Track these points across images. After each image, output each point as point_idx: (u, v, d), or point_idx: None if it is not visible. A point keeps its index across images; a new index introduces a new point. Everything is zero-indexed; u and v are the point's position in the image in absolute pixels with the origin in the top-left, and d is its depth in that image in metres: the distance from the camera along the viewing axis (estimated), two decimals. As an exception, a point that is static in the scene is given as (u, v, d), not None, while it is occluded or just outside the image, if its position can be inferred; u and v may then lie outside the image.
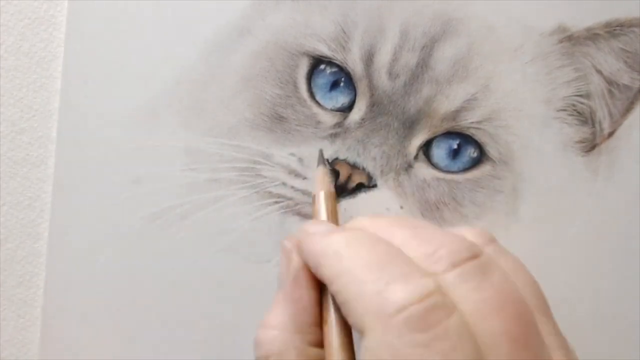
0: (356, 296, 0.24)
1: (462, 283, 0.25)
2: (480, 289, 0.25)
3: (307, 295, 0.28)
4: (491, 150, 0.39)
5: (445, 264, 0.25)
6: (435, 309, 0.23)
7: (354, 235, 0.27)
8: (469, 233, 0.29)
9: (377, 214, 0.30)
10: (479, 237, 0.28)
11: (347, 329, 0.27)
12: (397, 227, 0.28)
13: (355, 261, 0.25)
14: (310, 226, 0.29)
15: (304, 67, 0.39)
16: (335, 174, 0.38)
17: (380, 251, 0.26)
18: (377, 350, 0.23)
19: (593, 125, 0.39)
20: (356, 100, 0.39)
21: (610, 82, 0.39)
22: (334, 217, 0.32)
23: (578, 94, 0.39)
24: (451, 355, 0.23)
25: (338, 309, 0.26)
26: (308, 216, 0.39)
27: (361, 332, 0.24)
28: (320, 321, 0.28)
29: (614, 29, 0.39)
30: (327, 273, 0.26)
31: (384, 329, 0.23)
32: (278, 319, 0.28)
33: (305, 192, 0.39)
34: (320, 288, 0.28)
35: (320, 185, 0.33)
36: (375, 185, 0.39)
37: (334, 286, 0.26)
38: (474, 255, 0.26)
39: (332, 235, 0.27)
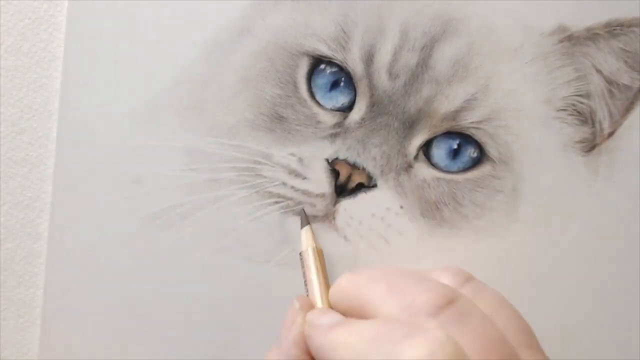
0: None
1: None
2: (462, 336, 0.25)
3: (303, 358, 0.29)
4: (491, 150, 0.39)
5: (423, 315, 0.26)
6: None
7: (354, 327, 0.28)
8: (444, 275, 0.30)
9: (355, 271, 0.31)
10: (454, 278, 0.30)
11: None
12: (373, 284, 0.29)
13: (360, 340, 0.26)
14: (315, 317, 0.30)
15: (304, 67, 0.39)
16: (335, 174, 0.38)
17: (376, 325, 0.27)
18: None
19: (593, 125, 0.39)
20: (356, 100, 0.39)
21: (610, 82, 0.39)
22: (324, 275, 0.34)
23: (578, 93, 0.39)
24: None
25: None
26: (308, 216, 0.39)
27: None
28: None
29: (614, 29, 0.39)
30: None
31: None
32: None
33: (305, 192, 0.39)
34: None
35: (306, 242, 0.36)
36: (375, 185, 0.39)
37: None
38: (450, 301, 0.27)
39: (336, 329, 0.28)
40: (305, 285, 0.35)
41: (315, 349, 0.29)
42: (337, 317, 0.30)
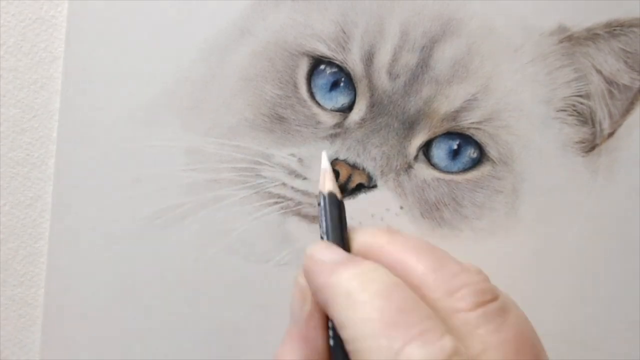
0: (371, 351, 0.24)
1: (485, 324, 0.25)
2: (501, 330, 0.25)
3: (320, 337, 0.27)
4: (491, 150, 0.39)
5: (469, 304, 0.25)
6: None
7: (368, 277, 0.26)
8: (474, 270, 0.28)
9: (393, 230, 0.28)
10: (487, 277, 0.28)
11: None
12: (417, 254, 0.27)
13: (370, 312, 0.24)
14: (316, 250, 0.27)
15: (304, 67, 0.39)
16: (335, 174, 0.38)
17: (398, 300, 0.25)
18: None
19: (593, 126, 0.39)
20: (356, 101, 0.39)
21: (610, 83, 0.39)
22: (344, 232, 0.29)
23: (578, 94, 0.39)
24: None
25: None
26: (308, 216, 0.39)
27: None
28: None
29: (614, 29, 0.39)
30: (337, 316, 0.25)
31: None
32: (292, 356, 0.27)
33: (305, 193, 0.39)
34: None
35: (330, 185, 0.30)
36: (375, 186, 0.39)
37: (345, 333, 0.25)
38: (495, 296, 0.26)
39: (342, 270, 0.26)
40: (322, 235, 0.30)
41: (313, 289, 0.27)
42: (342, 254, 0.27)
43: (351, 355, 0.25)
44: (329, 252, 0.27)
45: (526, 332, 0.26)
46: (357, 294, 0.25)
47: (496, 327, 0.25)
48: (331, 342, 0.27)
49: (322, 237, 0.29)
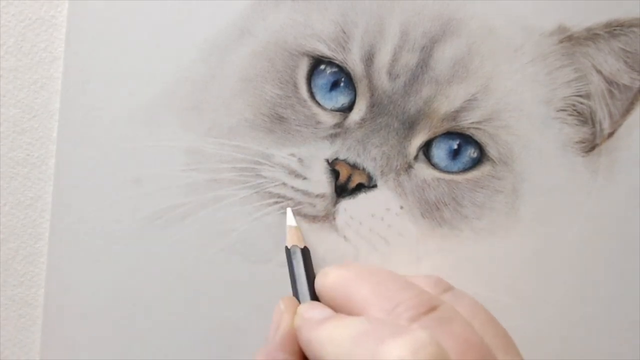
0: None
1: None
2: (441, 341, 0.26)
3: (292, 359, 0.30)
4: (491, 150, 0.39)
5: (406, 319, 0.27)
6: None
7: (341, 323, 0.28)
8: (426, 281, 0.31)
9: (344, 264, 0.32)
10: (435, 287, 0.31)
11: None
12: (360, 282, 0.29)
13: (345, 337, 0.27)
14: (305, 310, 0.31)
15: (304, 67, 0.39)
16: (335, 174, 0.38)
17: (361, 323, 0.27)
18: None
19: (593, 126, 0.39)
20: (356, 101, 0.39)
21: (610, 82, 0.39)
22: (311, 271, 0.34)
23: (578, 94, 0.39)
24: None
25: None
26: (308, 216, 0.39)
27: None
28: None
29: (614, 29, 0.39)
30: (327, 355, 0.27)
31: None
32: None
33: (305, 193, 0.39)
34: (303, 358, 0.30)
35: (291, 239, 0.36)
36: (375, 186, 0.39)
37: None
38: (432, 308, 0.27)
39: (324, 324, 0.29)
40: (292, 282, 0.35)
41: (304, 343, 0.29)
42: (326, 311, 0.30)
43: None
44: (316, 310, 0.31)
45: (471, 339, 0.27)
46: (337, 337, 0.27)
47: (437, 337, 0.26)
48: None
49: (292, 284, 0.35)
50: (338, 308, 0.30)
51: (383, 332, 0.26)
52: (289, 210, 0.38)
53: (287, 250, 0.36)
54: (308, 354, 0.29)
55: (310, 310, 0.31)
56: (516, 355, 0.29)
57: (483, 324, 0.29)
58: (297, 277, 0.35)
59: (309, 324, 0.29)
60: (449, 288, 0.31)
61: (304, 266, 0.35)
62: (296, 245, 0.36)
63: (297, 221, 0.39)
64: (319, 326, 0.29)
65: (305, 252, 0.36)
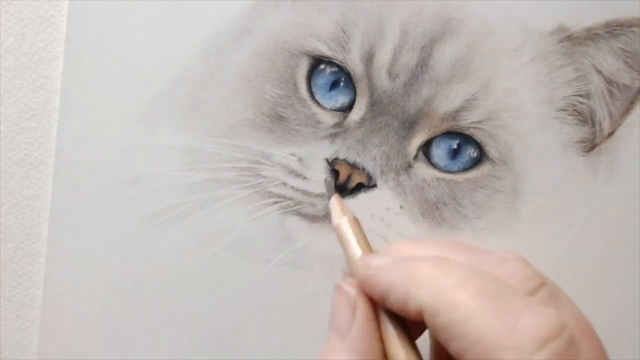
0: (483, 331, 0.23)
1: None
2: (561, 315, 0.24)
3: (375, 348, 0.26)
4: (491, 150, 0.39)
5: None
6: (571, 344, 0.23)
7: (441, 262, 0.25)
8: (509, 256, 0.27)
9: (415, 239, 0.28)
10: (530, 282, 0.27)
11: None
12: (453, 253, 0.26)
13: (467, 291, 0.23)
14: (369, 259, 0.27)
15: (304, 67, 0.39)
16: (335, 174, 0.38)
17: (484, 282, 0.24)
18: None
19: (593, 125, 0.40)
20: (356, 100, 0.39)
21: (610, 82, 0.39)
22: (366, 245, 0.29)
23: (578, 93, 0.39)
24: None
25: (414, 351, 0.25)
26: (308, 216, 0.39)
27: None
28: None
29: (614, 29, 0.39)
30: (427, 300, 0.24)
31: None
32: None
33: (305, 192, 0.39)
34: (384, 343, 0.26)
35: (340, 212, 0.30)
36: (375, 185, 0.39)
37: (442, 318, 0.23)
38: (543, 282, 0.25)
39: (416, 262, 0.25)
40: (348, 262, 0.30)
41: (383, 288, 0.25)
42: (397, 257, 0.26)
43: (453, 342, 0.23)
44: (383, 257, 0.27)
45: (580, 315, 0.25)
46: (443, 280, 0.24)
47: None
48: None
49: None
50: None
51: (515, 302, 0.23)
52: (326, 181, 0.35)
53: (337, 228, 0.30)
54: (393, 297, 0.25)
55: (376, 258, 0.27)
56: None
57: (587, 338, 0.27)
58: (355, 250, 0.29)
59: (383, 269, 0.25)
60: (544, 282, 0.27)
61: (355, 235, 0.29)
62: (344, 219, 0.30)
63: (297, 221, 0.39)
64: (402, 265, 0.25)
65: (358, 222, 0.31)
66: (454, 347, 0.23)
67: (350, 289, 0.27)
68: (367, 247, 0.29)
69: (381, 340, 0.26)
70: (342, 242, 0.29)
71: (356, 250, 0.29)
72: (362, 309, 0.26)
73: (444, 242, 0.27)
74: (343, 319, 0.26)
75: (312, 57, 0.39)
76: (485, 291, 0.23)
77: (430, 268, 0.24)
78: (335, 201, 0.31)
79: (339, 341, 0.26)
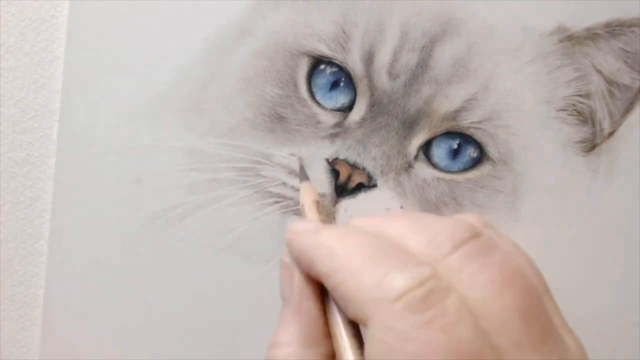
0: (355, 288, 0.24)
1: (467, 264, 0.24)
2: (485, 268, 0.24)
3: (314, 307, 0.27)
4: (491, 150, 0.39)
5: (447, 247, 0.25)
6: (433, 292, 0.23)
7: (345, 231, 0.27)
8: (464, 216, 0.28)
9: (370, 214, 0.29)
10: (475, 221, 0.28)
11: (355, 328, 0.26)
12: (392, 220, 0.27)
13: (350, 255, 0.25)
14: (297, 224, 0.29)
15: (304, 67, 0.39)
16: (335, 174, 0.38)
17: (374, 244, 0.26)
18: (381, 336, 0.23)
19: (593, 125, 0.39)
20: (356, 100, 0.39)
21: (610, 82, 0.39)
22: (324, 218, 0.31)
23: (578, 93, 0.39)
24: (453, 331, 0.23)
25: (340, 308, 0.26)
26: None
27: (363, 322, 0.24)
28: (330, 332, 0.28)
29: (614, 29, 0.39)
30: (322, 269, 0.26)
31: (386, 315, 0.23)
32: (288, 335, 0.27)
33: (305, 192, 0.39)
34: (323, 297, 0.28)
35: (307, 195, 0.32)
36: (375, 185, 0.39)
37: (330, 281, 0.25)
38: (475, 235, 0.26)
39: (323, 231, 0.27)
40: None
41: (297, 255, 0.27)
42: (322, 225, 0.28)
43: (340, 303, 0.25)
44: (309, 223, 0.29)
45: (515, 268, 0.25)
46: (336, 245, 0.26)
47: (479, 266, 0.24)
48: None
49: None
50: None
51: (392, 261, 0.24)
52: (300, 165, 0.37)
53: (306, 205, 0.33)
54: (301, 262, 0.27)
55: (303, 223, 0.29)
56: (552, 299, 0.27)
57: (524, 261, 0.28)
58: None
59: (302, 235, 0.27)
60: (488, 224, 0.29)
61: (316, 211, 0.31)
62: (307, 201, 0.32)
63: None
64: (315, 234, 0.27)
65: (321, 205, 0.33)
66: (350, 314, 0.25)
67: (287, 259, 0.29)
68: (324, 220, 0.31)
69: (322, 299, 0.27)
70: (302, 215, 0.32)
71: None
72: (298, 274, 0.28)
73: (392, 213, 0.30)
74: (286, 287, 0.28)
75: (312, 57, 0.39)
76: (364, 253, 0.25)
77: (332, 236, 0.26)
78: (305, 185, 0.33)
79: (286, 304, 0.28)
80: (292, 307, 0.28)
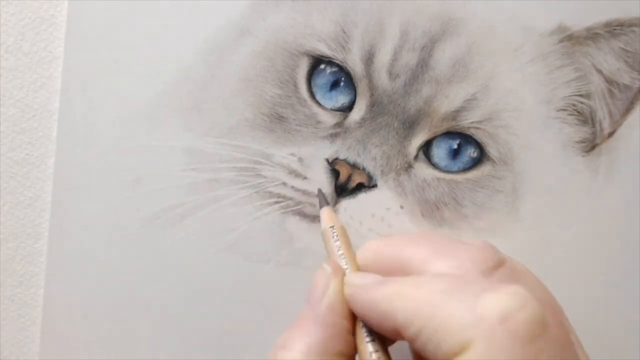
0: (447, 319, 0.24)
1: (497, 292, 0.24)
2: None
3: (342, 323, 0.28)
4: (491, 150, 0.39)
5: (476, 275, 0.25)
6: (535, 313, 0.23)
7: (410, 278, 0.27)
8: (478, 243, 0.28)
9: (386, 235, 0.29)
10: (490, 247, 0.28)
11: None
12: (415, 245, 0.27)
13: (428, 294, 0.25)
14: (355, 278, 0.29)
15: (304, 67, 0.39)
16: (335, 174, 0.38)
17: (442, 279, 0.25)
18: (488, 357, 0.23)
19: (593, 125, 0.39)
20: (356, 100, 0.39)
21: (610, 82, 0.39)
22: (352, 256, 0.31)
23: (578, 93, 0.39)
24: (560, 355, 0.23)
25: (380, 345, 0.27)
26: (308, 216, 0.39)
27: (462, 349, 0.23)
28: (349, 351, 0.27)
29: (614, 29, 0.39)
30: (401, 317, 0.25)
31: (492, 338, 0.23)
32: (301, 341, 0.27)
33: (305, 192, 0.39)
34: (354, 321, 0.28)
35: (328, 220, 0.33)
36: (375, 185, 0.39)
37: (411, 329, 0.25)
38: (500, 262, 0.26)
39: (388, 281, 0.27)
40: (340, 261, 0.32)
41: (362, 306, 0.27)
42: (379, 277, 0.28)
43: (427, 347, 0.24)
44: (366, 276, 0.29)
45: (543, 295, 0.26)
46: (413, 290, 0.25)
47: None
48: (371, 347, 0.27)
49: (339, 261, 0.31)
50: (390, 275, 0.28)
51: (475, 287, 0.24)
52: (319, 191, 0.37)
53: (322, 234, 0.34)
54: (369, 316, 0.27)
55: (361, 277, 0.29)
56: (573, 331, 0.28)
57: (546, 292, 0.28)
58: (337, 252, 0.32)
59: (365, 289, 0.27)
60: (493, 249, 0.29)
61: (345, 244, 0.32)
62: (331, 226, 0.34)
63: (297, 221, 0.39)
64: (381, 286, 0.27)
65: (343, 230, 0.34)
66: (429, 347, 0.24)
67: (327, 267, 0.29)
68: (351, 254, 0.31)
69: (351, 319, 0.28)
70: (328, 249, 0.32)
71: (344, 252, 0.31)
72: (335, 286, 0.28)
73: (407, 235, 0.29)
74: (317, 292, 0.28)
75: (312, 57, 0.39)
76: (440, 289, 0.25)
77: (401, 285, 0.26)
78: (325, 210, 0.34)
79: (310, 310, 0.28)
80: (315, 315, 0.28)
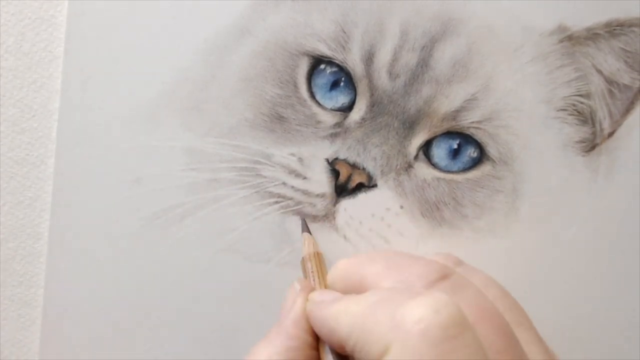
0: (372, 328, 0.25)
1: None
2: None
3: (305, 338, 0.29)
4: (491, 150, 0.39)
5: (418, 288, 0.26)
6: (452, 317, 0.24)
7: (355, 297, 0.28)
8: (436, 257, 0.30)
9: (353, 255, 0.32)
10: (447, 261, 0.30)
11: None
12: (370, 264, 0.29)
13: (363, 307, 0.26)
14: (316, 295, 0.31)
15: (304, 67, 0.39)
16: (335, 174, 0.38)
17: (380, 292, 0.27)
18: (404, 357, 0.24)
19: (593, 125, 0.39)
20: (356, 100, 0.39)
21: (610, 82, 0.39)
22: (323, 277, 0.33)
23: (578, 93, 0.39)
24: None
25: None
26: (308, 216, 0.39)
27: (382, 354, 0.24)
28: None
29: (614, 29, 0.39)
30: (344, 330, 0.27)
31: (406, 341, 0.24)
32: (265, 351, 0.29)
33: (305, 192, 0.39)
34: (317, 338, 0.30)
35: (306, 247, 0.35)
36: (375, 185, 0.39)
37: (350, 342, 0.26)
38: (444, 275, 0.27)
39: (341, 299, 0.29)
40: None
41: (316, 323, 0.29)
42: (338, 294, 0.30)
43: (361, 351, 0.26)
44: (328, 294, 0.30)
45: (485, 307, 0.26)
46: (352, 306, 0.27)
47: None
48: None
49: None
50: (351, 292, 0.30)
51: (401, 297, 0.25)
52: (302, 220, 0.38)
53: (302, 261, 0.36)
54: (321, 332, 0.29)
55: (321, 294, 0.31)
56: (530, 329, 0.29)
57: (496, 297, 0.29)
58: (310, 271, 0.34)
59: (321, 306, 0.29)
60: (460, 262, 0.31)
61: (317, 272, 0.34)
62: (308, 255, 0.35)
63: (297, 221, 0.39)
64: (333, 304, 0.28)
65: (319, 257, 0.35)
66: (362, 357, 0.26)
67: (297, 285, 0.31)
68: (322, 273, 0.33)
69: (313, 336, 0.29)
70: (304, 273, 0.34)
71: (316, 277, 0.33)
72: (300, 302, 0.30)
73: (371, 254, 0.31)
74: (286, 307, 0.31)
75: (312, 57, 0.39)
76: (373, 301, 0.26)
77: (347, 302, 0.28)
78: (307, 237, 0.36)
79: (278, 324, 0.30)
80: (281, 329, 0.30)
